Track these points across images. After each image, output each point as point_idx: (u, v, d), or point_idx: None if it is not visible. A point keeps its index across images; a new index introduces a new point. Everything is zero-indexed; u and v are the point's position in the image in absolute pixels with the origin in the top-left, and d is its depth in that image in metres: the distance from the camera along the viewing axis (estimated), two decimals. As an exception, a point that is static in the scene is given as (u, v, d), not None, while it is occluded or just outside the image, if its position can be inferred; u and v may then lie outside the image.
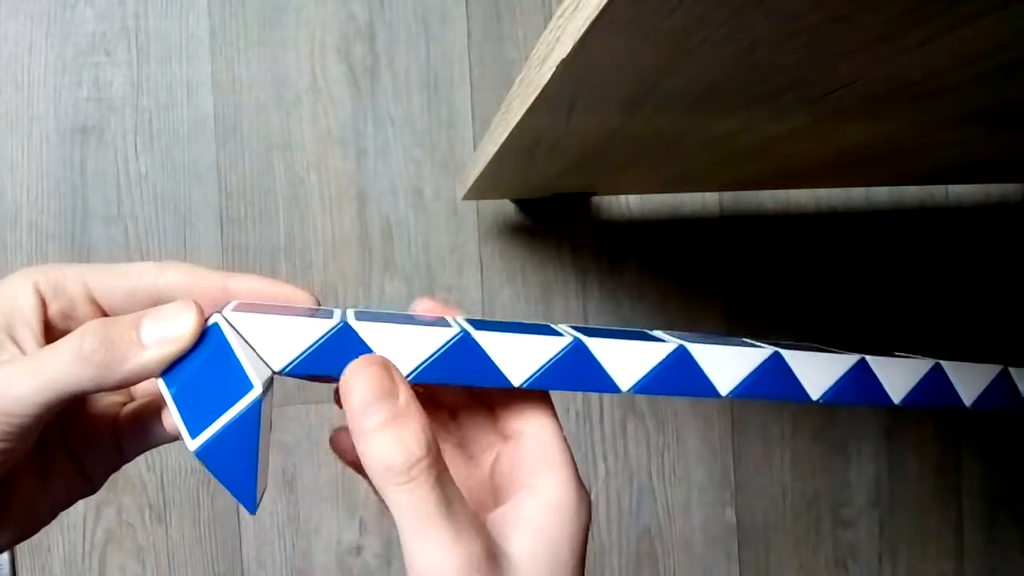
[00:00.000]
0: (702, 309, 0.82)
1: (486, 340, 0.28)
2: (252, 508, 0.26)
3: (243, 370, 0.25)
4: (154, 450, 0.78)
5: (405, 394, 0.25)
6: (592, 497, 0.79)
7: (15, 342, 0.26)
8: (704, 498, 0.81)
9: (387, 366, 0.26)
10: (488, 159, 0.53)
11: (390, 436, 0.24)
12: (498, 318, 0.78)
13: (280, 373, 0.27)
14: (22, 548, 0.73)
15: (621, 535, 0.80)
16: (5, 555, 0.72)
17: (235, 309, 0.27)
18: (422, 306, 0.31)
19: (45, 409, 0.24)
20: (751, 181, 0.74)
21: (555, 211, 0.80)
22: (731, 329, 0.82)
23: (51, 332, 0.27)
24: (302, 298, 0.29)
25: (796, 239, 0.83)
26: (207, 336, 0.26)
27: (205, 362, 0.26)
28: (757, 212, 0.83)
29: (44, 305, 0.27)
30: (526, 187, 0.71)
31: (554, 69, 0.30)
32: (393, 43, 0.78)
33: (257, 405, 0.25)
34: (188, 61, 0.75)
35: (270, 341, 0.27)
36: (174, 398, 0.25)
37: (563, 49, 0.28)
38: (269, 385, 0.26)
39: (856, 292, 0.84)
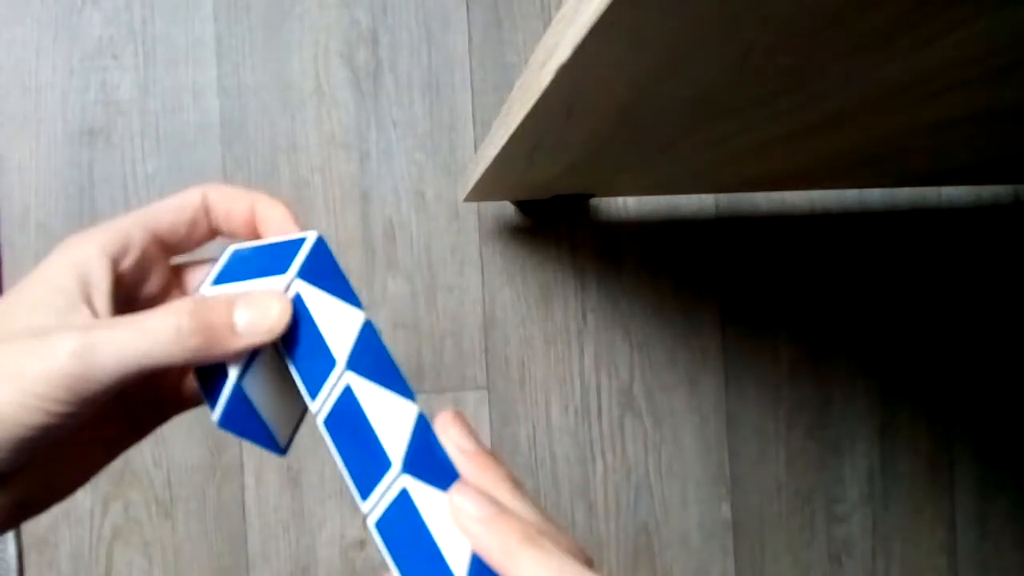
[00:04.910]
0: (698, 308, 0.83)
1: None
2: (279, 452, 0.30)
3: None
4: (160, 446, 0.78)
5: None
6: (591, 493, 0.81)
7: (90, 307, 0.26)
8: (700, 494, 0.82)
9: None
10: (489, 161, 0.54)
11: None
12: (499, 317, 0.79)
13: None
14: (29, 543, 0.74)
15: (619, 530, 0.81)
16: (12, 550, 0.73)
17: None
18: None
19: (122, 380, 0.25)
20: (747, 183, 0.75)
21: (554, 212, 0.81)
22: (726, 327, 0.83)
23: (122, 284, 0.28)
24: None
25: (791, 240, 0.84)
26: None
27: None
28: (752, 214, 0.84)
29: (114, 265, 0.28)
30: (526, 189, 0.72)
31: (553, 73, 0.31)
32: (396, 48, 0.79)
33: (238, 383, 0.27)
34: (194, 65, 0.77)
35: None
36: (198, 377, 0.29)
37: (562, 54, 0.29)
38: (249, 360, 0.28)
39: (849, 292, 0.85)
